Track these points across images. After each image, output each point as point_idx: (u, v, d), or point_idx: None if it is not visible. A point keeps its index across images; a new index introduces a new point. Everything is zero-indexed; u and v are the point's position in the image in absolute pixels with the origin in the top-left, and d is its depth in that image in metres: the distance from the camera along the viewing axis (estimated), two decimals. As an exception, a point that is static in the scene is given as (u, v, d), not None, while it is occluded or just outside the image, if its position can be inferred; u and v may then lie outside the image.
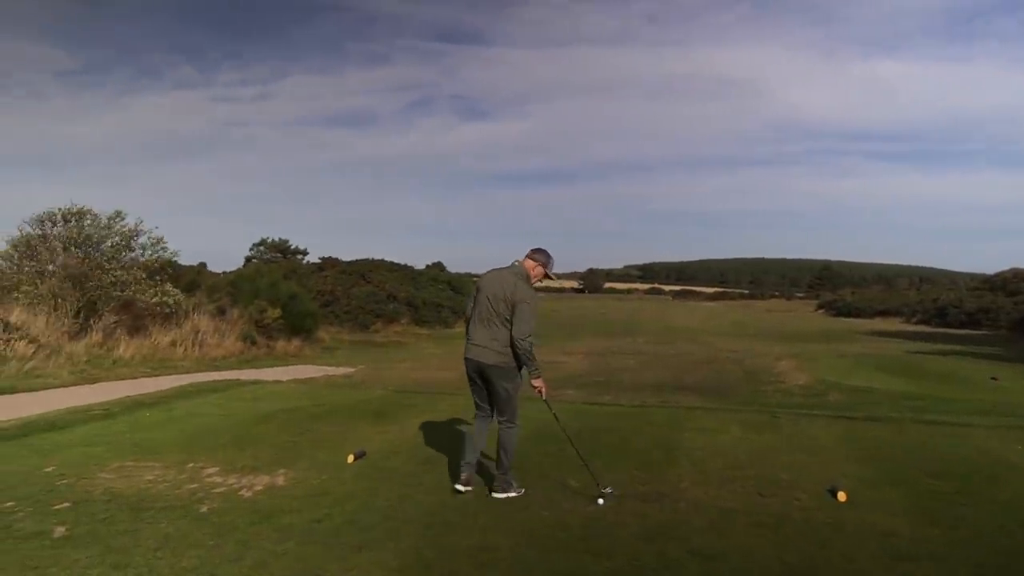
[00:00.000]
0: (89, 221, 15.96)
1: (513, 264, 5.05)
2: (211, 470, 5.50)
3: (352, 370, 16.37)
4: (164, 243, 16.86)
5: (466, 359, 5.00)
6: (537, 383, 4.88)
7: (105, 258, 15.96)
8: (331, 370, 16.27)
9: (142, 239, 16.51)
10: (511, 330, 4.78)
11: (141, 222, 16.46)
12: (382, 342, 26.59)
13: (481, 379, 4.98)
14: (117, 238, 16.17)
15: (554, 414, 5.16)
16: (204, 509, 4.54)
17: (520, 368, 4.86)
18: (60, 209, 15.70)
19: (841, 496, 4.80)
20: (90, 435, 6.86)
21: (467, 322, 5.12)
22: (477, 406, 5.15)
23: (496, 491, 4.91)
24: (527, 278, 4.96)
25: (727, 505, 4.72)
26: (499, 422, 4.97)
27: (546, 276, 5.16)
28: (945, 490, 5.09)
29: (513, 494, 4.88)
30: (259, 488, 5.03)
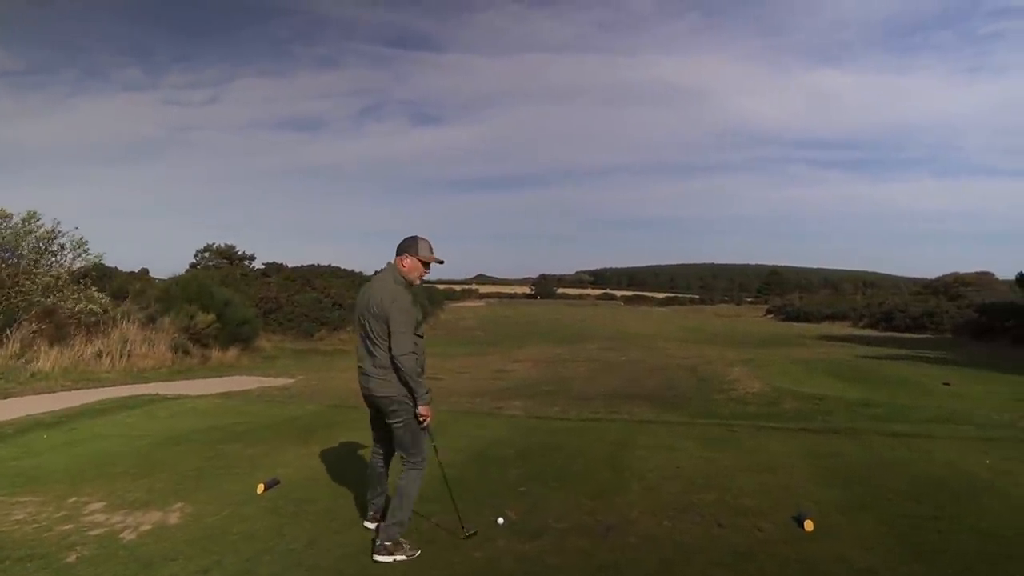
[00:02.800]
0: (4, 224, 14.86)
1: (387, 265, 4.23)
2: (96, 505, 4.75)
3: (291, 381, 15.49)
4: (86, 245, 15.80)
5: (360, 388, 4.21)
6: (424, 411, 3.94)
7: (25, 262, 14.88)
8: (268, 381, 15.35)
9: (62, 240, 15.43)
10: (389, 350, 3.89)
11: (59, 223, 15.41)
12: (327, 350, 25.63)
13: (376, 411, 4.19)
14: (34, 241, 15.07)
15: (434, 447, 4.25)
16: (72, 558, 3.81)
17: (416, 399, 3.93)
18: (-29, 214, 14.61)
19: (808, 525, 4.33)
20: (-33, 463, 6.02)
21: None
22: (374, 444, 4.39)
23: (378, 553, 3.83)
24: (402, 280, 4.05)
25: (683, 539, 4.19)
26: (401, 460, 4.11)
27: (425, 266, 4.13)
28: (919, 514, 4.66)
29: (401, 556, 3.82)
30: (146, 528, 4.31)
